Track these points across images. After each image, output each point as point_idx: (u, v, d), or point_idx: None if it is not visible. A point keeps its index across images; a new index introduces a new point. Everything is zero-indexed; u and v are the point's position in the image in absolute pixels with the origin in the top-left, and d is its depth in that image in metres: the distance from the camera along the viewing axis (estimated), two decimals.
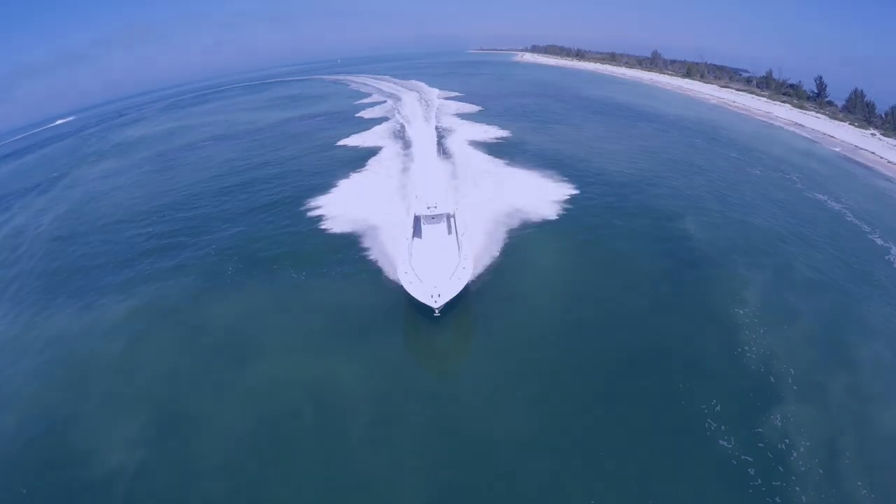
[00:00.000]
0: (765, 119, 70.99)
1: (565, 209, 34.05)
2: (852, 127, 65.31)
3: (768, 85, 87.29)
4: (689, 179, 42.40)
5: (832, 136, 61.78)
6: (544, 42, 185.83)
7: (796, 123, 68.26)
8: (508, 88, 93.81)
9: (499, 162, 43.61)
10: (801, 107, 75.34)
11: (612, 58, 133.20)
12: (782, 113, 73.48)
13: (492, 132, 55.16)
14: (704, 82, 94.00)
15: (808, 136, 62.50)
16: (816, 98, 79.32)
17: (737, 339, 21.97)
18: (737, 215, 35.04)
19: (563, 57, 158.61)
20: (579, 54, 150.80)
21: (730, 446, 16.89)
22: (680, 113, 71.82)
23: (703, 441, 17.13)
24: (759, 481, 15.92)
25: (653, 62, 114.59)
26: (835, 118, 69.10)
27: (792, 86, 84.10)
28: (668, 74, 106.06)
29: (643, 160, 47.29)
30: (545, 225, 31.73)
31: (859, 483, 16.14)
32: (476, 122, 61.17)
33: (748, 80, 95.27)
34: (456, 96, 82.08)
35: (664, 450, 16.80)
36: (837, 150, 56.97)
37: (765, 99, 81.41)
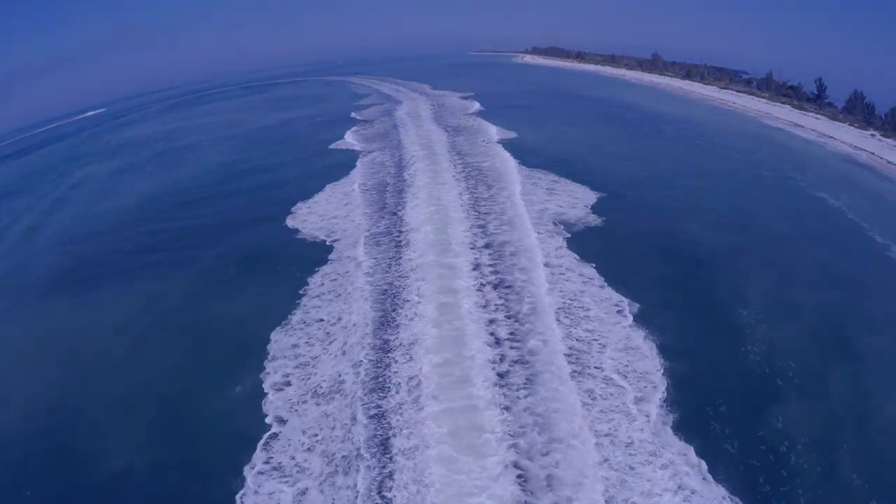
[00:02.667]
0: (765, 120, 70.99)
1: (573, 213, 34.08)
2: (852, 128, 65.23)
3: (768, 86, 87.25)
4: (691, 180, 42.48)
5: (832, 137, 61.72)
6: (544, 44, 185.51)
7: (796, 125, 68.19)
8: (512, 89, 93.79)
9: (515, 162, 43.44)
10: (801, 108, 75.30)
11: (613, 59, 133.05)
12: (783, 114, 73.44)
13: (500, 133, 54.87)
14: (705, 84, 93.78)
15: (808, 137, 62.49)
16: (817, 99, 79.30)
17: (740, 338, 21.99)
18: (740, 215, 35.16)
19: (564, 58, 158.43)
20: (580, 56, 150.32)
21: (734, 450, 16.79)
22: (680, 114, 71.81)
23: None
24: (768, 488, 15.84)
25: (653, 64, 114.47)
26: (835, 119, 69.01)
27: (792, 87, 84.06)
28: (668, 76, 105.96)
29: (645, 161, 47.35)
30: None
31: (855, 476, 16.10)
32: (484, 120, 61.05)
33: (748, 82, 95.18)
34: (463, 96, 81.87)
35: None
36: (838, 150, 56.96)
37: (765, 100, 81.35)
